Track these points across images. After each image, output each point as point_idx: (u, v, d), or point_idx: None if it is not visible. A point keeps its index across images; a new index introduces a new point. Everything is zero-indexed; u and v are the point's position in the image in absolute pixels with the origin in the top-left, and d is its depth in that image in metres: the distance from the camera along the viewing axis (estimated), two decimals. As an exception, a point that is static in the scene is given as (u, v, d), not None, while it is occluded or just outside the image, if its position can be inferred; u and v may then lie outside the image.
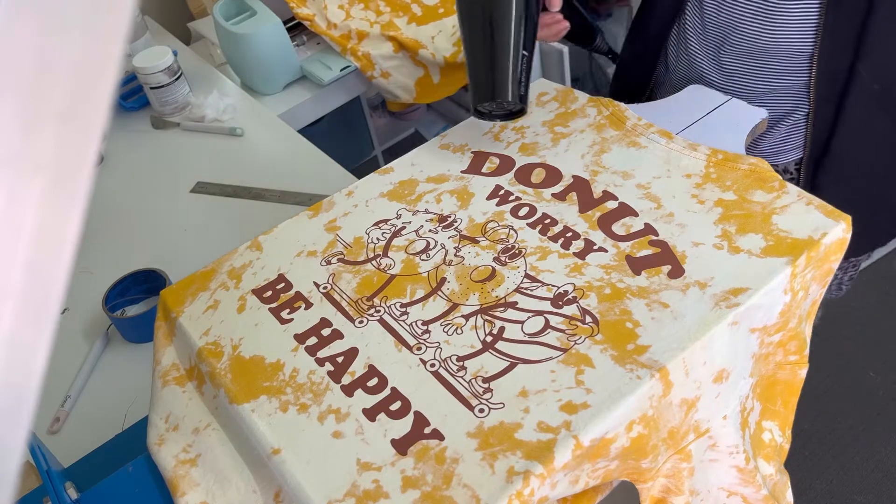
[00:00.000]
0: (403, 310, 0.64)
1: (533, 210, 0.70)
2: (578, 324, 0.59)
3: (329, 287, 0.67)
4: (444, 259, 0.67)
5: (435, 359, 0.59)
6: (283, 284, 0.68)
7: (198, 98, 1.31)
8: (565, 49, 1.50)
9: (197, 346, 0.64)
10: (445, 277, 0.66)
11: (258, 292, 0.68)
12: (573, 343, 0.58)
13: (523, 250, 0.66)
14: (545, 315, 0.61)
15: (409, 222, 0.72)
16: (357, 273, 0.68)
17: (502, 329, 0.60)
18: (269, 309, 0.66)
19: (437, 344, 0.60)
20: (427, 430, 0.54)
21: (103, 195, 1.15)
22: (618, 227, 0.67)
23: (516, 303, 0.62)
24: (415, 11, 1.40)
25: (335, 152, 1.19)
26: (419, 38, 1.35)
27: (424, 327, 0.62)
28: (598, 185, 0.71)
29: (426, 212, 0.73)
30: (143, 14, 1.49)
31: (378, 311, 0.64)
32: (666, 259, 0.63)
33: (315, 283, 0.67)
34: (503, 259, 0.66)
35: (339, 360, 0.61)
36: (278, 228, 0.74)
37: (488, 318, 0.62)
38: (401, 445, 0.54)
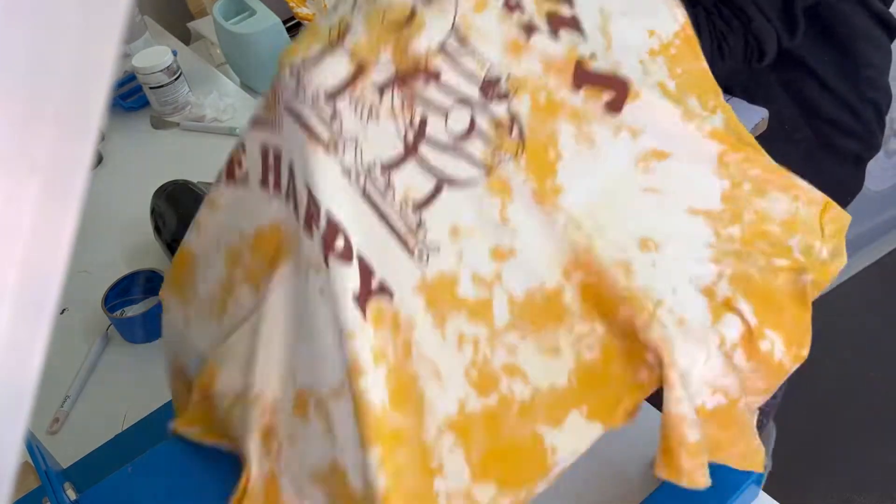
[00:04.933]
0: (296, 80, 0.49)
1: None
2: (505, 136, 0.50)
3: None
4: (354, 2, 0.50)
5: (358, 166, 0.48)
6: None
7: (197, 98, 1.31)
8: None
9: (224, 261, 0.57)
10: (350, 23, 0.49)
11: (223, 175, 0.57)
12: (498, 161, 0.49)
13: None
14: (472, 107, 0.49)
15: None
16: None
17: (423, 122, 0.49)
18: (225, 184, 0.56)
19: (355, 140, 0.48)
20: (374, 284, 0.47)
21: (103, 195, 1.15)
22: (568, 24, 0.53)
23: (439, 74, 0.49)
24: (414, 11, 1.40)
25: (335, 152, 1.19)
26: (419, 38, 1.35)
27: (331, 103, 0.48)
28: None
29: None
30: (142, 14, 1.49)
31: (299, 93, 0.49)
32: (608, 82, 0.52)
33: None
34: None
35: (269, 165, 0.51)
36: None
37: (406, 96, 0.49)
38: (360, 301, 0.46)
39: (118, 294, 0.95)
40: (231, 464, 0.59)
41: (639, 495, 0.64)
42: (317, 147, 0.48)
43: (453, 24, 0.50)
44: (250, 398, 0.52)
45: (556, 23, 0.52)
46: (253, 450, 0.53)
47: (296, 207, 0.50)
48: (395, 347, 0.46)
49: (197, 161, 1.21)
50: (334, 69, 0.48)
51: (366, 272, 0.47)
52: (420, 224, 0.48)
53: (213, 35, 1.41)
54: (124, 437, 0.73)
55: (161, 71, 1.25)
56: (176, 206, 0.99)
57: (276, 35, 1.31)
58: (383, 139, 0.48)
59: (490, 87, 0.50)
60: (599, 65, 0.52)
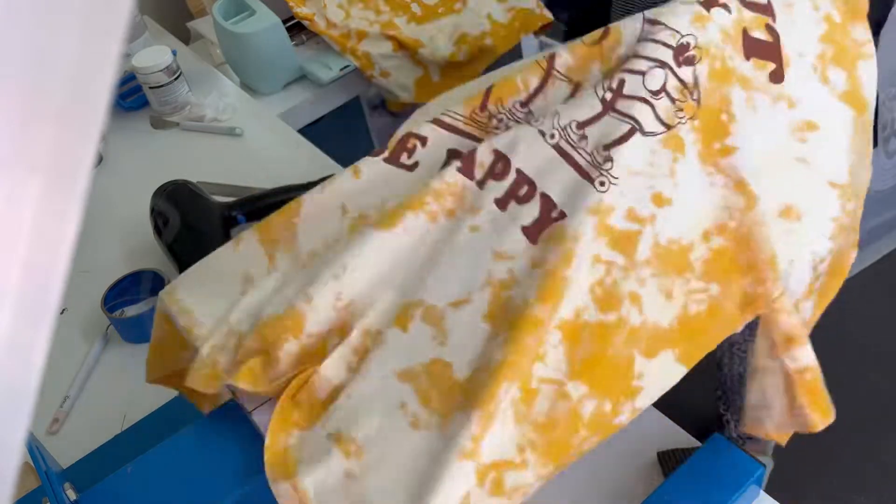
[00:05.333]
0: (526, 109, 0.59)
1: None
2: (687, 97, 0.57)
3: (436, 112, 0.61)
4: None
5: (554, 128, 0.57)
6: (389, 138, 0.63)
7: (197, 98, 1.31)
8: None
9: (345, 226, 0.61)
10: (555, 52, 0.59)
11: (389, 160, 0.62)
12: (677, 121, 0.56)
13: None
14: (666, 70, 0.57)
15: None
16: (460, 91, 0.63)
17: (622, 83, 0.56)
18: (385, 161, 0.61)
19: (556, 112, 0.57)
20: (554, 213, 0.55)
21: (103, 195, 1.15)
22: None
23: (637, 52, 0.57)
24: (414, 11, 1.40)
25: (334, 152, 1.19)
26: (419, 38, 1.35)
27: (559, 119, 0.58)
28: None
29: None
30: (142, 14, 1.49)
31: (501, 120, 0.59)
32: (774, 55, 0.59)
33: (425, 121, 0.62)
34: None
35: (465, 152, 0.58)
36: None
37: (610, 77, 0.57)
38: (532, 233, 0.55)
39: (118, 294, 0.95)
40: (231, 464, 0.59)
41: (639, 495, 0.63)
42: (523, 125, 0.57)
43: (643, 17, 0.58)
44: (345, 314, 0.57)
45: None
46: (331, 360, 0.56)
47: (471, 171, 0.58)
48: (555, 256, 0.53)
49: (197, 161, 1.21)
50: (556, 94, 0.59)
51: (546, 206, 0.55)
52: (607, 160, 0.55)
53: (213, 35, 1.41)
54: (124, 437, 0.73)
55: (161, 71, 1.25)
56: (176, 206, 0.99)
57: (276, 35, 1.31)
58: (581, 105, 0.56)
59: (681, 52, 0.57)
60: (764, 35, 0.59)
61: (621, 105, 0.56)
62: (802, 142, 0.58)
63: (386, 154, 0.61)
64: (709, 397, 1.38)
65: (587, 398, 0.52)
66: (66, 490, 0.59)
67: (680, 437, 0.72)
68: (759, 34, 0.60)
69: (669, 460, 0.70)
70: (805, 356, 0.59)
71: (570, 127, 0.56)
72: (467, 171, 0.58)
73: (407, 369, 0.54)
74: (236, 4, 1.34)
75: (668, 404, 0.61)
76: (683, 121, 0.56)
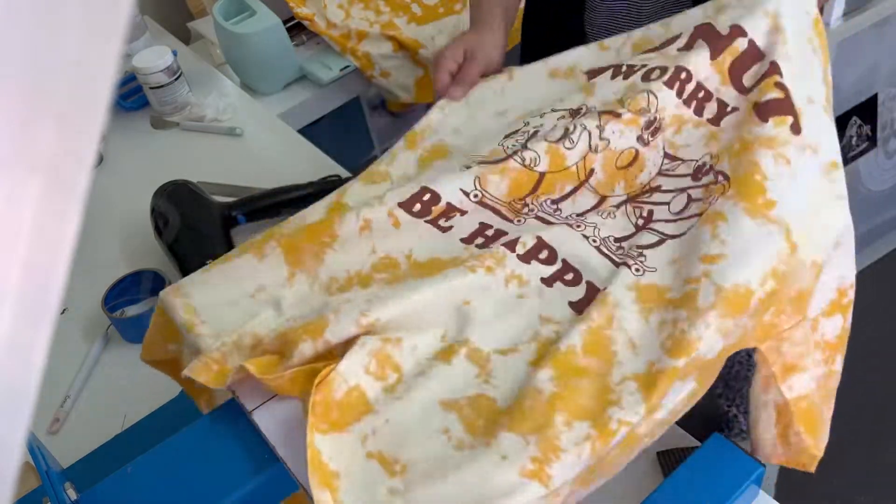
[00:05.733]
0: (555, 206, 0.68)
1: (664, 69, 0.69)
2: (713, 187, 0.64)
3: (480, 194, 0.67)
4: (590, 144, 0.68)
5: (595, 236, 0.65)
6: (428, 196, 0.67)
7: (197, 98, 1.31)
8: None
9: (369, 263, 0.65)
10: (594, 169, 0.68)
11: (405, 206, 0.67)
12: (709, 205, 0.62)
13: (662, 121, 0.68)
14: (687, 192, 0.65)
15: (542, 124, 0.71)
16: (503, 174, 0.68)
17: (651, 213, 0.66)
18: (426, 221, 0.67)
19: (595, 225, 0.66)
20: (599, 296, 0.61)
21: (103, 195, 1.15)
22: (748, 78, 0.68)
23: (660, 186, 0.67)
24: (415, 11, 1.40)
25: (335, 152, 1.19)
26: (419, 38, 1.35)
27: (580, 218, 0.67)
28: (723, 21, 0.69)
29: (553, 110, 0.72)
30: (142, 14, 1.49)
31: (532, 210, 0.67)
32: (787, 109, 0.64)
33: (463, 191, 0.67)
34: (646, 138, 0.68)
35: (507, 239, 0.64)
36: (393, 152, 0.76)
37: (637, 204, 0.67)
38: (578, 307, 0.61)
39: (118, 294, 0.95)
40: (231, 464, 0.59)
41: (639, 495, 0.63)
42: (563, 226, 0.66)
43: (663, 153, 0.68)
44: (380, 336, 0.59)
45: (735, 75, 0.68)
46: (356, 364, 0.57)
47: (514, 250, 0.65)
48: (599, 315, 0.58)
49: (197, 161, 1.21)
50: (584, 202, 0.68)
51: (591, 290, 0.62)
52: (640, 255, 0.62)
53: (213, 35, 1.41)
54: (124, 436, 0.73)
55: (161, 71, 1.25)
56: (176, 206, 0.99)
57: (277, 35, 1.31)
58: (617, 226, 0.66)
59: (698, 172, 0.66)
60: (776, 93, 0.65)
61: (652, 225, 0.65)
62: (833, 182, 0.63)
63: (428, 217, 0.67)
64: (708, 397, 1.38)
65: (648, 435, 0.57)
66: (66, 490, 0.59)
67: (680, 437, 0.72)
68: (772, 94, 0.65)
69: (669, 460, 0.70)
70: (802, 385, 0.63)
71: (609, 240, 0.65)
72: (510, 247, 0.64)
73: (451, 400, 0.56)
74: (237, 5, 1.34)
75: (667, 404, 0.61)
76: (714, 201, 0.62)
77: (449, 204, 0.67)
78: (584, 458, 0.52)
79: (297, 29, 1.41)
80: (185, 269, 0.93)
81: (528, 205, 0.67)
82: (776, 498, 0.68)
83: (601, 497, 0.67)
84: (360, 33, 1.35)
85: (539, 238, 0.64)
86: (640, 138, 0.68)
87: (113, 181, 1.19)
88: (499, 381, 0.57)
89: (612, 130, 0.68)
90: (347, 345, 0.58)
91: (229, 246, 0.98)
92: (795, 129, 0.64)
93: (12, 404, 0.24)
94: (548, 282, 0.63)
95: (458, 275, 0.61)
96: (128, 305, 0.96)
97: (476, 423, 0.55)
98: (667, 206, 0.66)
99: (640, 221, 0.66)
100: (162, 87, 1.27)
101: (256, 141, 1.24)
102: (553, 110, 0.72)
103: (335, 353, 0.59)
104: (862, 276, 0.65)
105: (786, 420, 0.65)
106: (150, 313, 0.90)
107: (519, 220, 0.67)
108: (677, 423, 0.73)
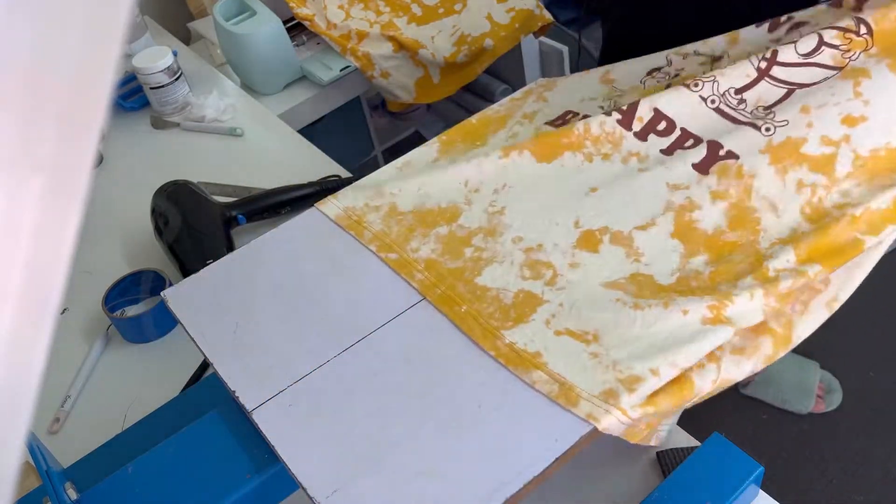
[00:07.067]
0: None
1: None
2: (853, 36, 0.62)
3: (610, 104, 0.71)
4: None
5: (714, 94, 0.65)
6: (571, 115, 0.73)
7: (198, 98, 1.31)
8: (565, 49, 1.50)
9: (500, 147, 0.69)
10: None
11: (551, 124, 0.72)
12: (848, 60, 0.61)
13: None
14: (819, 32, 0.63)
15: (682, 68, 0.73)
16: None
17: (775, 53, 0.63)
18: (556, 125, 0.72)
19: (713, 77, 0.65)
20: (721, 153, 0.61)
21: (103, 195, 1.15)
22: None
23: (793, 18, 0.66)
24: (415, 11, 1.40)
25: (335, 152, 1.19)
26: (419, 38, 1.35)
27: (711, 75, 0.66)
28: None
29: (696, 53, 0.74)
30: (142, 14, 1.49)
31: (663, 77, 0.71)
32: None
33: (599, 106, 0.73)
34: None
35: (624, 107, 0.66)
36: (561, 83, 0.80)
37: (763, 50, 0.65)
38: (701, 167, 0.61)
39: (118, 294, 0.95)
40: (232, 464, 0.59)
41: (639, 495, 0.63)
42: (681, 88, 0.66)
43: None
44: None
45: None
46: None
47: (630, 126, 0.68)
48: (737, 191, 0.60)
49: (197, 161, 1.21)
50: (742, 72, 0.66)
51: (713, 148, 0.62)
52: (769, 114, 0.61)
53: (213, 35, 1.41)
54: (125, 436, 0.73)
55: (161, 71, 1.25)
56: (176, 206, 0.99)
57: (277, 36, 1.31)
58: (737, 72, 0.64)
59: (836, 3, 0.65)
60: None
61: (776, 72, 0.63)
62: None
63: (560, 123, 0.73)
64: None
65: (821, 272, 0.57)
66: (66, 490, 0.59)
67: (679, 437, 0.72)
68: None
69: (669, 460, 0.70)
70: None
71: (729, 93, 0.64)
72: (626, 123, 0.66)
73: (611, 281, 0.59)
74: (237, 5, 1.34)
75: (667, 404, 0.61)
76: (855, 56, 0.61)
77: (585, 115, 0.70)
78: (758, 297, 0.55)
79: (297, 29, 1.41)
80: (186, 269, 0.93)
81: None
82: (776, 498, 0.68)
83: (601, 497, 0.67)
84: (360, 34, 1.35)
85: (656, 110, 0.65)
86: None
87: (113, 181, 1.19)
88: (649, 256, 0.60)
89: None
90: (481, 230, 0.64)
91: (230, 246, 0.98)
92: None
93: (12, 404, 0.24)
94: (667, 151, 0.64)
95: (575, 171, 0.64)
96: (128, 305, 0.96)
97: (643, 293, 0.57)
98: (794, 46, 0.63)
99: (763, 64, 0.63)
100: (162, 87, 1.27)
101: (257, 141, 1.24)
102: (696, 53, 0.73)
103: (471, 237, 0.64)
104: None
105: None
106: (150, 313, 0.90)
107: (646, 95, 0.68)
108: (677, 422, 0.73)
